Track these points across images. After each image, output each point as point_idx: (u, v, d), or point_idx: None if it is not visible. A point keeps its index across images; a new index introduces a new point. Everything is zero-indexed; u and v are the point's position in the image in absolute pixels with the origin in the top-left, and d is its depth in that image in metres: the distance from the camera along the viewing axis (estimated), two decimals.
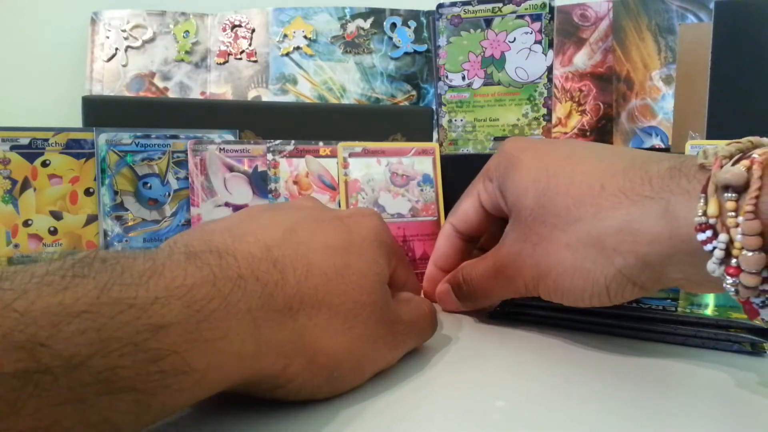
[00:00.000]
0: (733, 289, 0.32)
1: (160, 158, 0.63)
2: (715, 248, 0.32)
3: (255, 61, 1.03)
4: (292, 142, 0.68)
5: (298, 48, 1.03)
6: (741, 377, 0.44)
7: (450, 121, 0.80)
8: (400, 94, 1.04)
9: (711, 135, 0.71)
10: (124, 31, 1.03)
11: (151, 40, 1.04)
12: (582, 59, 1.00)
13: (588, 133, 0.99)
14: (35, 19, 1.12)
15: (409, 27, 1.04)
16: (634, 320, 0.54)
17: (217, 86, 1.04)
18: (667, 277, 0.37)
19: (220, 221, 0.36)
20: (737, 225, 0.31)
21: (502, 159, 0.46)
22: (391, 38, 1.04)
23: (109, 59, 1.03)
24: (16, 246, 0.58)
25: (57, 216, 0.60)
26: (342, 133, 0.72)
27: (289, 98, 1.02)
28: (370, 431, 0.35)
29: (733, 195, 0.31)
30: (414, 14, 1.04)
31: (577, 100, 1.00)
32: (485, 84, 0.78)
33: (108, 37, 1.03)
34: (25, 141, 0.59)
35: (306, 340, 0.31)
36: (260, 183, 0.66)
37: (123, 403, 0.23)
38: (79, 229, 0.61)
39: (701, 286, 0.39)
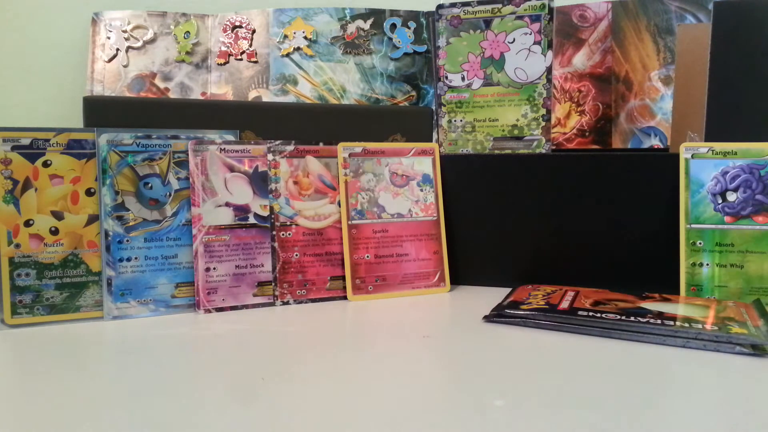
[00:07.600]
0: None
1: (161, 158, 0.63)
2: None
3: (255, 62, 1.04)
4: (293, 142, 0.69)
5: (298, 49, 1.03)
6: (742, 378, 0.44)
7: (450, 121, 0.80)
8: (400, 94, 1.04)
9: (710, 135, 0.71)
10: (125, 31, 1.03)
11: (152, 40, 1.04)
12: (581, 60, 1.00)
13: (587, 134, 0.99)
14: (36, 20, 1.13)
15: (408, 28, 1.04)
16: (634, 322, 0.54)
17: (217, 87, 1.04)
18: None
19: None
20: None
21: None
22: (390, 39, 1.04)
23: (110, 60, 1.03)
24: (17, 246, 0.59)
25: (58, 216, 0.60)
26: (342, 133, 0.73)
27: (289, 99, 1.02)
28: (370, 427, 0.35)
29: None
30: (414, 15, 1.04)
31: (576, 100, 1.00)
32: (485, 84, 0.78)
33: (109, 38, 1.03)
34: (26, 141, 0.59)
35: None
36: (261, 183, 0.67)
37: None
38: (80, 229, 0.61)
39: None
